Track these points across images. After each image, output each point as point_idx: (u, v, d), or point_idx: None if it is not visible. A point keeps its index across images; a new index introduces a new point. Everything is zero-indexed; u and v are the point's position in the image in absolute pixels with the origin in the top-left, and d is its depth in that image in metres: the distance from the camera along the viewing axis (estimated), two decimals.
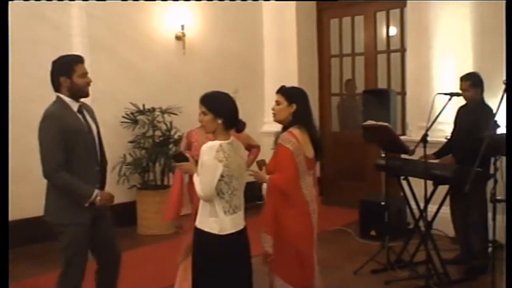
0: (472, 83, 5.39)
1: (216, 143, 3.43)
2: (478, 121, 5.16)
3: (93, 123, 4.03)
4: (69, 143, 3.79)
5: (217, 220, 3.46)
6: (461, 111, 5.55)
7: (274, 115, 4.06)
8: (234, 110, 3.56)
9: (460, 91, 5.40)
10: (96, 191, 3.84)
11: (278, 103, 4.01)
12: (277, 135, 4.03)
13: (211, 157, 3.39)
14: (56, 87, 3.90)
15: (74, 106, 3.91)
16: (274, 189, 3.90)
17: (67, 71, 3.86)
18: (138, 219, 7.20)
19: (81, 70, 3.90)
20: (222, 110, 3.50)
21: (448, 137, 5.79)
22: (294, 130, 3.93)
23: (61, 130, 3.78)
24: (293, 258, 3.91)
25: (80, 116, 3.93)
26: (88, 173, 3.89)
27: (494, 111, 4.35)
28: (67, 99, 3.88)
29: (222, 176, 3.40)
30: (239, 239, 3.57)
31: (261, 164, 4.03)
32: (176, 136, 7.25)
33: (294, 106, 3.97)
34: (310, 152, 3.98)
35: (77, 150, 3.83)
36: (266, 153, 9.28)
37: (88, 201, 3.82)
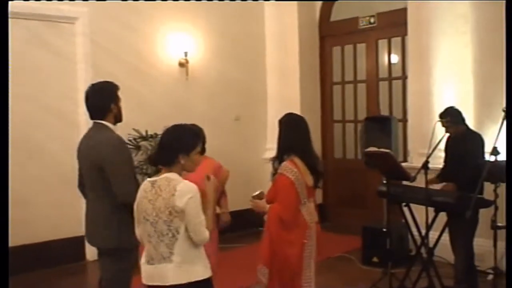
0: (449, 119, 5.38)
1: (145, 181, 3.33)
2: (468, 150, 5.21)
3: None
4: None
5: (141, 266, 3.34)
6: (450, 139, 5.55)
7: None
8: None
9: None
10: None
11: None
12: (276, 163, 4.05)
13: None
14: (104, 113, 3.90)
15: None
16: (274, 218, 3.91)
17: (115, 97, 3.95)
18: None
19: (119, 95, 4.00)
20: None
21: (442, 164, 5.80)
22: (295, 159, 3.95)
23: (131, 156, 3.93)
24: (289, 283, 3.93)
25: None
26: None
27: (494, 138, 4.35)
28: (111, 126, 3.92)
29: (140, 217, 3.26)
30: None
31: (260, 197, 4.04)
32: None
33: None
34: (309, 180, 3.99)
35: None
36: (269, 180, 9.26)
37: None
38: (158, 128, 7.31)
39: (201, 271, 3.22)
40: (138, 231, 3.34)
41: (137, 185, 4.07)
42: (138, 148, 7.21)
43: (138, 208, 3.25)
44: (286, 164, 3.93)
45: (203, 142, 4.42)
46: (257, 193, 4.08)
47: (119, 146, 3.82)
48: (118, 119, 3.99)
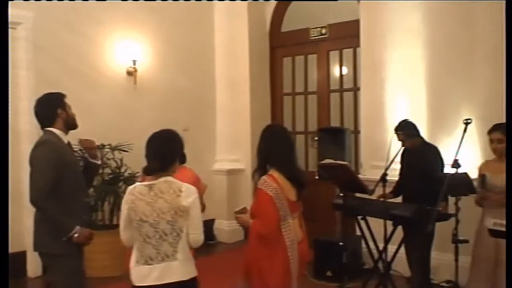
0: (404, 132, 5.34)
1: (134, 185, 3.39)
2: (425, 163, 5.20)
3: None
4: (61, 173, 3.78)
5: (132, 269, 3.34)
6: (405, 152, 5.49)
7: None
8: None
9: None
10: (77, 228, 3.78)
11: None
12: (256, 176, 3.83)
13: (123, 200, 3.36)
14: (52, 120, 3.92)
15: (65, 139, 3.96)
16: (253, 233, 3.76)
17: (61, 103, 3.95)
18: (84, 260, 6.85)
19: (67, 103, 4.02)
20: None
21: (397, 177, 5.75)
22: (274, 173, 3.75)
23: (56, 158, 3.77)
24: None
25: (69, 149, 4.00)
26: (77, 205, 3.87)
27: (455, 150, 4.31)
28: (57, 132, 3.90)
29: (133, 220, 3.29)
30: None
31: (242, 211, 3.90)
32: (126, 174, 6.99)
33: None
34: (292, 195, 3.78)
35: (68, 181, 3.82)
36: (219, 192, 9.04)
37: (67, 235, 3.75)
38: (105, 138, 7.09)
39: (194, 267, 3.42)
40: (125, 235, 3.36)
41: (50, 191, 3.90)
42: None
43: (132, 212, 3.27)
44: (264, 178, 3.72)
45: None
46: (239, 208, 3.95)
47: (38, 146, 3.83)
48: (70, 125, 3.99)
